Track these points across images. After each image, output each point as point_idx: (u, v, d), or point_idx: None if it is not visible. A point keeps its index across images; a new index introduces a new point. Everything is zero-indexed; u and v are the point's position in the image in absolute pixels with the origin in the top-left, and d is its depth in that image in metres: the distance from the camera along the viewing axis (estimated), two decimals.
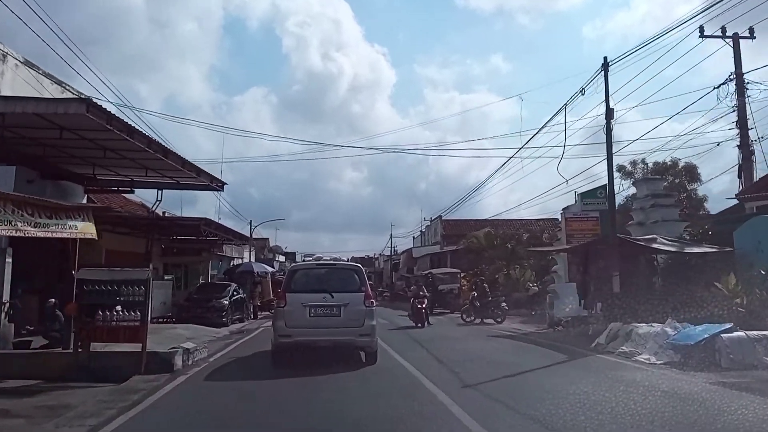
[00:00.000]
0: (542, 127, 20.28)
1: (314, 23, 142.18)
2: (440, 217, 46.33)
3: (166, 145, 16.50)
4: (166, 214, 27.08)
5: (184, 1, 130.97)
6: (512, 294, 28.13)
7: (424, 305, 22.15)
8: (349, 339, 10.83)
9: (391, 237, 67.79)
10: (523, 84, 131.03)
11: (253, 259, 58.59)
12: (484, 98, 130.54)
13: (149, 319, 10.25)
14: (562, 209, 26.38)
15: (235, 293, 25.53)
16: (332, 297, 10.83)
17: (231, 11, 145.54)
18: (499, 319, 23.19)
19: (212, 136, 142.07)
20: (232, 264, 34.43)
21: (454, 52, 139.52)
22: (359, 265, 13.50)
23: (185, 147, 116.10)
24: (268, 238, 72.67)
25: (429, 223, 53.89)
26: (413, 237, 74.68)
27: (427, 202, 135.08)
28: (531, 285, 28.07)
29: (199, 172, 18.77)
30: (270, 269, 31.72)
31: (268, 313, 34.21)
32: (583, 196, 21.38)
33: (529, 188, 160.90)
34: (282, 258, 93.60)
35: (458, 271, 30.35)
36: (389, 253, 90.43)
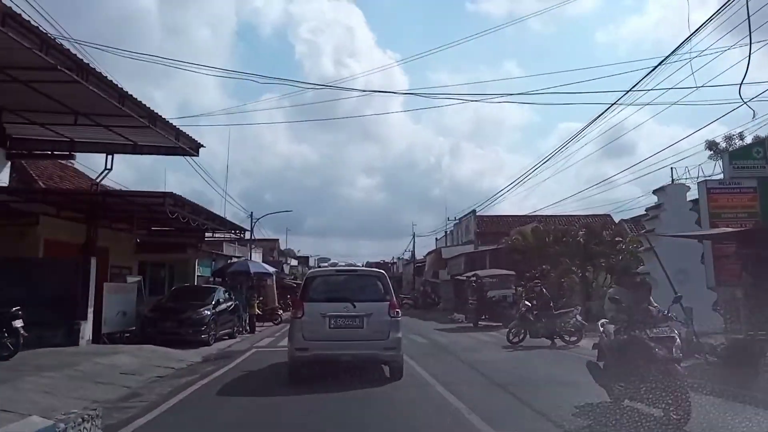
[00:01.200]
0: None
1: (327, 29, 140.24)
2: (474, 212, 39.83)
3: (89, 65, 10.27)
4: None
5: (198, 8, 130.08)
6: (585, 303, 21.50)
7: None
8: (373, 353, 9.93)
9: (413, 237, 61.19)
10: (537, 89, 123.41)
11: (259, 260, 52.66)
12: (497, 105, 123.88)
13: None
14: (655, 190, 19.97)
15: (223, 300, 19.26)
16: (354, 307, 9.87)
17: (244, 17, 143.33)
18: (573, 338, 16.49)
19: (225, 141, 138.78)
20: (229, 263, 28.14)
21: (466, 58, 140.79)
22: (382, 271, 12.01)
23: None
24: (277, 239, 66.69)
25: (458, 221, 47.30)
26: (436, 238, 68.12)
27: (442, 206, 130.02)
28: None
29: (154, 118, 12.50)
30: (271, 269, 25.28)
31: (272, 324, 28.03)
32: (733, 156, 14.65)
33: (543, 192, 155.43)
34: (294, 262, 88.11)
35: (511, 273, 23.85)
36: (409, 257, 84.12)
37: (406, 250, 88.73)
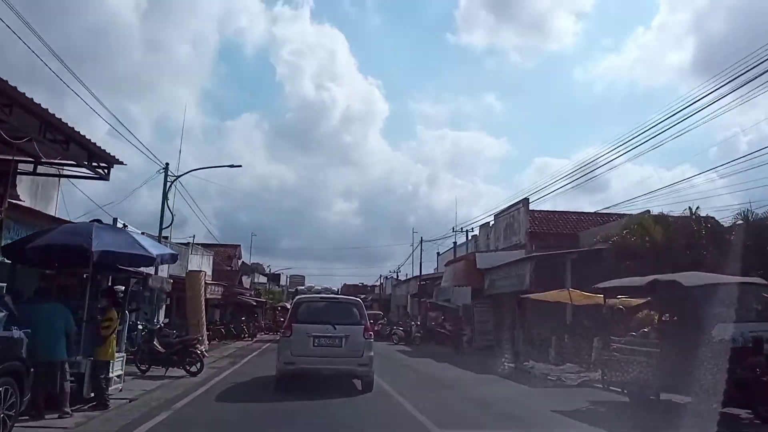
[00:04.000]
0: None
1: (309, 52, 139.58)
2: (526, 201, 26.35)
3: None
4: None
5: (180, 24, 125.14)
6: None
7: None
8: (350, 368, 11.40)
9: (420, 244, 47.50)
10: (514, 123, 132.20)
11: (208, 269, 38.46)
12: (476, 136, 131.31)
13: None
14: None
15: None
16: (335, 329, 11.32)
17: (227, 36, 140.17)
18: None
19: (203, 159, 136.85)
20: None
21: (446, 89, 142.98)
22: (359, 299, 13.49)
23: (174, 168, 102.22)
24: (238, 245, 51.98)
25: (491, 221, 33.50)
26: (438, 252, 54.59)
27: (415, 233, 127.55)
28: None
29: None
30: (156, 253, 10.40)
31: (185, 374, 13.85)
32: None
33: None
34: (263, 279, 74.83)
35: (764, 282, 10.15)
36: (395, 278, 70.12)
37: (393, 271, 75.19)
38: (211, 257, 39.10)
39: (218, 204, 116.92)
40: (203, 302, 16.86)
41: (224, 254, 49.16)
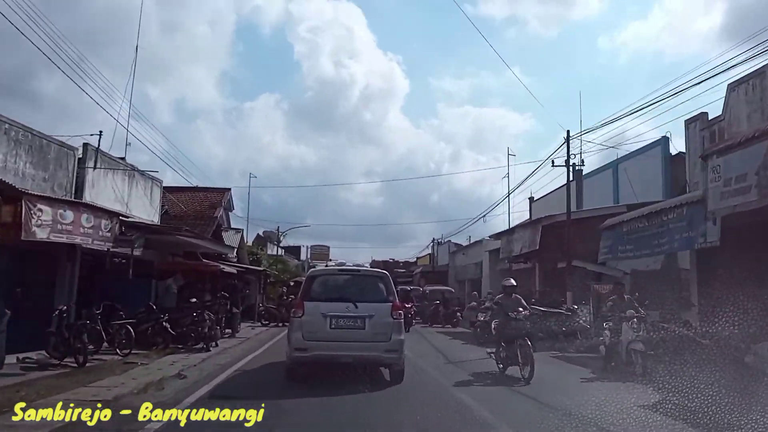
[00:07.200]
0: None
1: (327, 29, 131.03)
2: None
3: None
4: None
5: (196, 5, 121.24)
6: None
7: None
8: (375, 355, 9.66)
9: (567, 139, 28.22)
10: (538, 97, 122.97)
11: (151, 211, 21.26)
12: (499, 112, 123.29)
13: None
14: None
15: None
16: (356, 307, 9.60)
17: (244, 16, 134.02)
18: None
19: (224, 141, 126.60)
20: None
21: (468, 63, 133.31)
22: (385, 272, 11.40)
23: (196, 151, 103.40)
24: (228, 189, 33.56)
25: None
26: (530, 198, 36.40)
27: (439, 213, 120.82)
28: None
29: None
30: None
31: None
32: None
33: None
34: (280, 251, 58.45)
35: None
36: (444, 240, 51.43)
37: (441, 238, 56.78)
38: (158, 189, 21.21)
39: (241, 183, 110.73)
40: None
41: (205, 201, 31.23)
